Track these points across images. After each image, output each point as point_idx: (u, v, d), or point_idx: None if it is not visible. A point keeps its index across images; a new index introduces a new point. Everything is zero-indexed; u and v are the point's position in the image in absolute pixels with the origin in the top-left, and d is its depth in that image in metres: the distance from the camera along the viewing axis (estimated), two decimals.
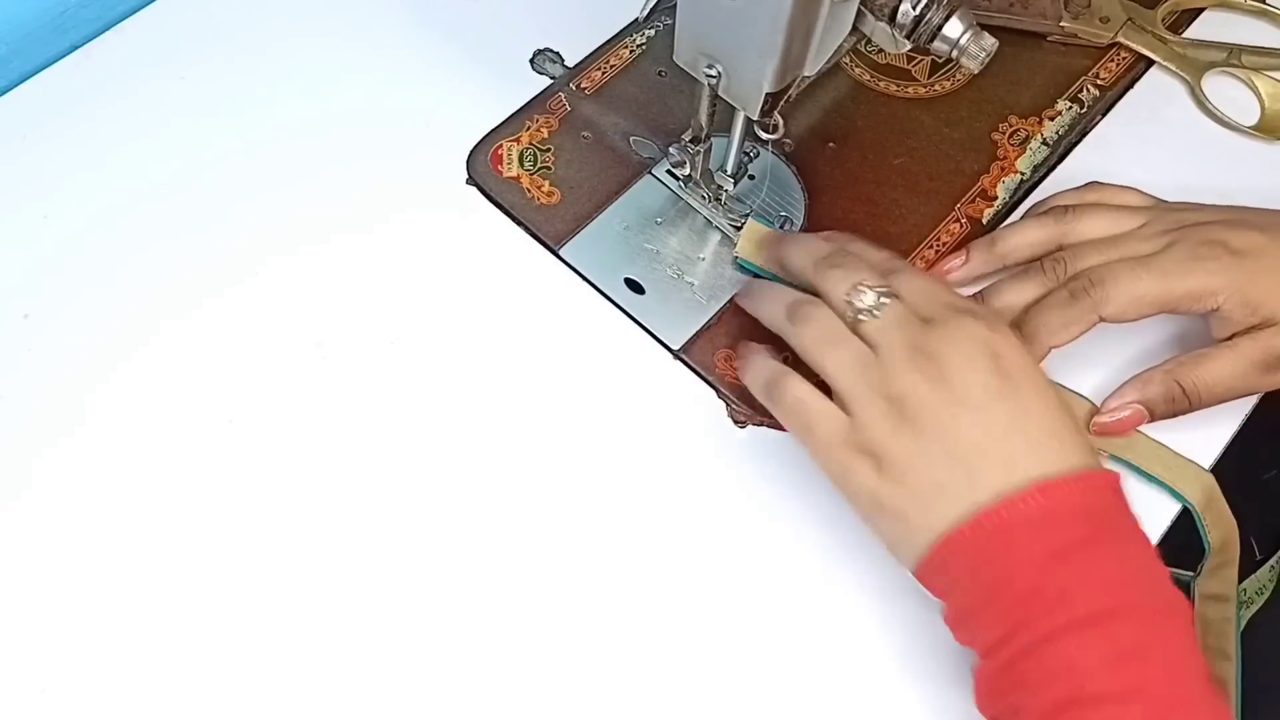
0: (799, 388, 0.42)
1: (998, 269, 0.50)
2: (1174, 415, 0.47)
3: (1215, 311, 0.45)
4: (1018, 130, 0.56)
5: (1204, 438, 0.49)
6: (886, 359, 0.40)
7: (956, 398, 0.39)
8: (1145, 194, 0.50)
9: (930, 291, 0.42)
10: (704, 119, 0.48)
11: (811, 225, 0.53)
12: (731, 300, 0.51)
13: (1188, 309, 0.46)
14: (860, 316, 0.41)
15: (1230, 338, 0.46)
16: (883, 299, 0.41)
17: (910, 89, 0.58)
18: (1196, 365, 0.46)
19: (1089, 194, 0.51)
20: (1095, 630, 0.36)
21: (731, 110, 0.47)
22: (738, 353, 0.48)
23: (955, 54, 0.41)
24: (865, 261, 0.43)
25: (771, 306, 0.45)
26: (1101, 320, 0.46)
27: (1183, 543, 0.47)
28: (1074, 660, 0.36)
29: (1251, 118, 0.57)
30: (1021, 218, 0.52)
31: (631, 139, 0.55)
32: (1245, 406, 0.49)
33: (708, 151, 0.51)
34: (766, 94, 0.43)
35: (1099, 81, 0.58)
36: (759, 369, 0.44)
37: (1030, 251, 0.49)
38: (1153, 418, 0.47)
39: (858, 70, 0.58)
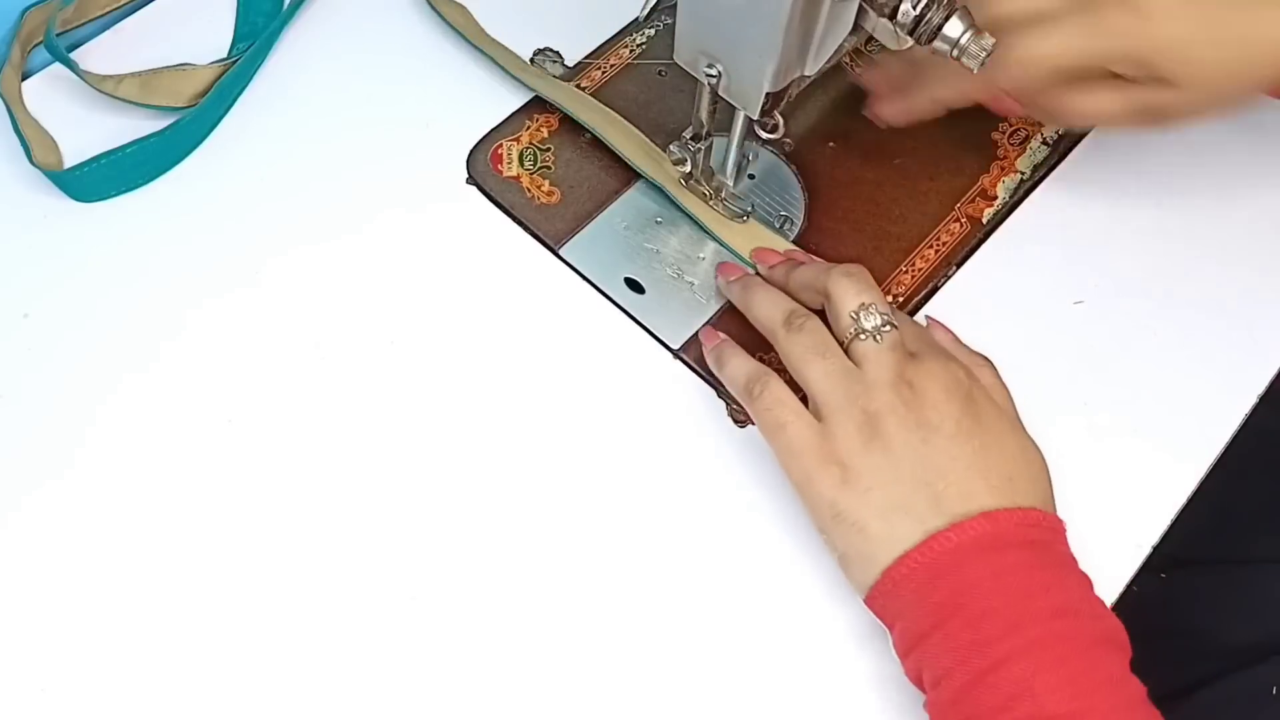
0: (779, 390, 0.43)
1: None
2: (1014, 108, 0.49)
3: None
4: (1018, 130, 0.56)
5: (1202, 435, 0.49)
6: (871, 378, 0.41)
7: (930, 425, 0.40)
8: None
9: (920, 333, 0.45)
10: (704, 118, 0.48)
11: (811, 225, 0.53)
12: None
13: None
14: (861, 336, 0.42)
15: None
16: (886, 325, 0.42)
17: None
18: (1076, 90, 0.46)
19: None
20: (1049, 652, 0.37)
21: (731, 110, 0.47)
22: (710, 342, 0.48)
23: (955, 54, 0.41)
24: (838, 292, 0.44)
25: (769, 310, 0.46)
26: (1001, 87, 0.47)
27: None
28: (1031, 682, 0.36)
29: None
30: None
31: None
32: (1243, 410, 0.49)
33: (708, 150, 0.51)
34: (766, 94, 0.43)
35: None
36: (741, 364, 0.46)
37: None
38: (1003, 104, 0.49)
39: (858, 70, 0.58)
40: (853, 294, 0.43)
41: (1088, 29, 0.44)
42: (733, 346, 0.47)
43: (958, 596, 0.38)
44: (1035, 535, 0.40)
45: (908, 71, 0.51)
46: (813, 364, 0.42)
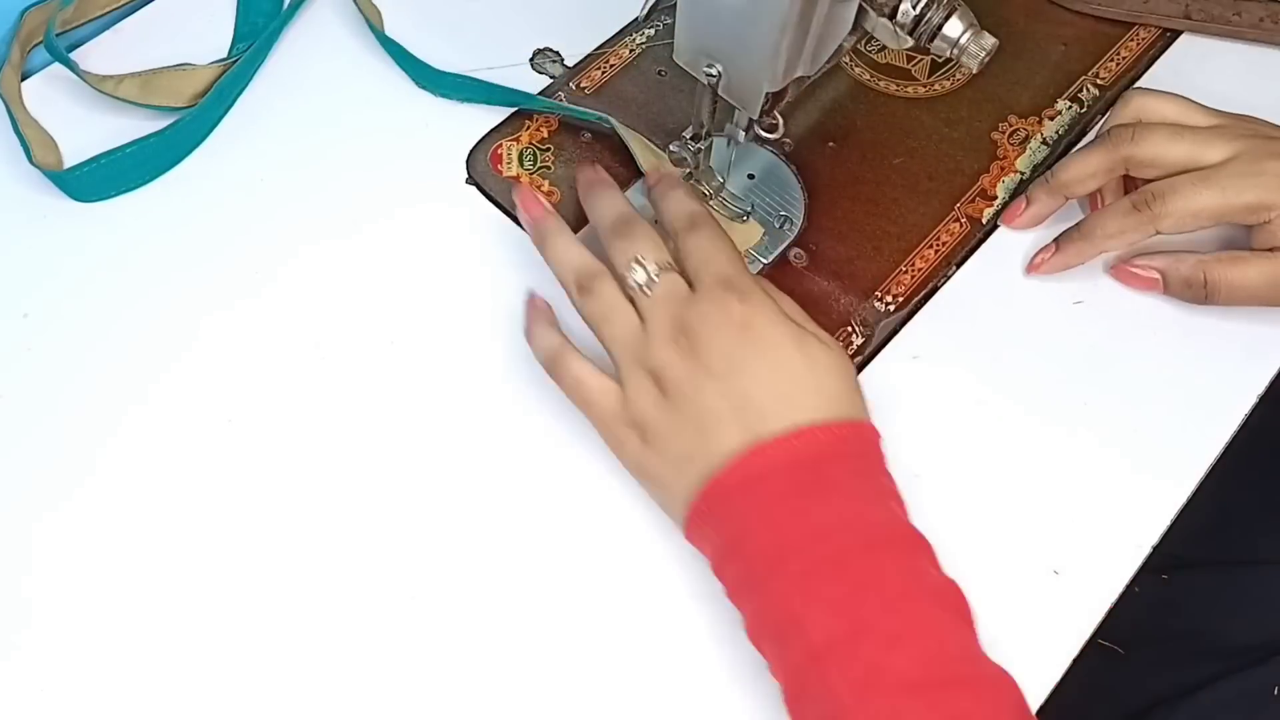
0: (578, 366, 0.44)
1: (1062, 204, 0.52)
2: (1186, 299, 0.50)
3: (1265, 224, 0.47)
4: (1017, 130, 0.57)
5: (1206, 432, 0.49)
6: (651, 334, 0.42)
7: (702, 369, 0.41)
8: (1190, 101, 0.51)
9: (709, 258, 0.43)
10: (704, 118, 0.48)
11: (811, 225, 0.53)
12: None
13: (1241, 220, 0.48)
14: (636, 290, 0.43)
15: (1271, 250, 0.47)
16: (655, 275, 0.43)
17: (910, 88, 0.58)
18: (1229, 264, 0.48)
19: (1132, 108, 0.51)
20: (813, 579, 0.37)
21: (731, 109, 0.47)
22: (530, 309, 0.48)
23: (955, 53, 0.41)
24: (668, 217, 0.45)
25: (561, 271, 0.45)
26: (1158, 233, 0.48)
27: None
28: (799, 614, 0.37)
29: None
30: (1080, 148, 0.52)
31: None
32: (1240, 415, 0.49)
33: (708, 150, 0.51)
34: (766, 94, 0.43)
35: (1099, 81, 0.58)
36: (543, 339, 0.46)
37: (1094, 182, 0.51)
38: (1165, 290, 0.50)
39: (858, 70, 0.58)
40: (619, 252, 0.44)
41: (1249, 182, 0.46)
42: (537, 319, 0.47)
43: (734, 538, 0.39)
44: (802, 455, 0.40)
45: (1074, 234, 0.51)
46: (603, 329, 0.43)
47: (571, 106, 0.55)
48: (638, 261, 0.43)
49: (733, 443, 0.40)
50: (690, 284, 0.43)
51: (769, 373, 0.41)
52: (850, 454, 0.41)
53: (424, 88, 0.56)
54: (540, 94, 0.56)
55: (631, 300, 0.43)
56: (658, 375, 0.42)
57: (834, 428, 0.41)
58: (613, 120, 0.53)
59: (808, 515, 0.39)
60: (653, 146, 0.53)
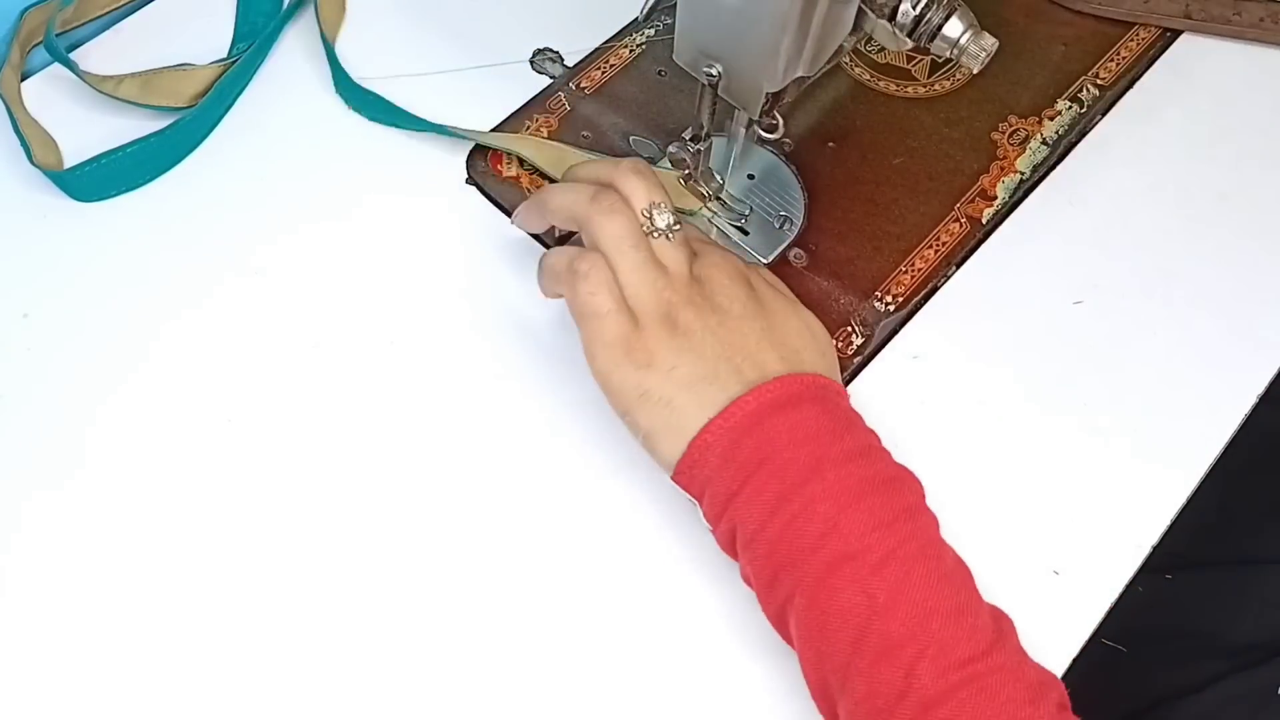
0: (605, 274, 0.43)
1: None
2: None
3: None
4: (1017, 130, 0.56)
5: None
6: (671, 273, 0.43)
7: (722, 309, 0.43)
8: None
9: (694, 232, 0.47)
10: (704, 118, 0.48)
11: (811, 225, 0.53)
12: None
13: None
14: (655, 234, 0.43)
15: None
16: (676, 223, 0.44)
17: (910, 89, 0.58)
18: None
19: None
20: (848, 491, 0.39)
21: (731, 110, 0.47)
22: (531, 203, 0.47)
23: (955, 54, 0.41)
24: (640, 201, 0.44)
25: (573, 195, 0.45)
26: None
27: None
28: (836, 519, 0.39)
29: None
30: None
31: (631, 138, 0.55)
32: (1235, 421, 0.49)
33: (708, 150, 0.51)
34: (766, 94, 0.43)
35: (1099, 81, 0.58)
36: (562, 253, 0.44)
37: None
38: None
39: (858, 70, 0.58)
40: (643, 192, 0.44)
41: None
42: (550, 198, 0.46)
43: (761, 451, 0.40)
44: (823, 395, 0.42)
45: None
46: (625, 254, 0.43)
47: (462, 131, 0.54)
48: (662, 205, 0.43)
49: (759, 372, 0.42)
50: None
51: (780, 324, 0.44)
52: (850, 407, 0.44)
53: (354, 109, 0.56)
54: (540, 94, 0.56)
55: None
56: (675, 309, 0.42)
57: (839, 385, 0.44)
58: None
59: (840, 439, 0.40)
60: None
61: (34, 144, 0.52)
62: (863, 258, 0.53)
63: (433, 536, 0.46)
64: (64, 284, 0.51)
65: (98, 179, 0.52)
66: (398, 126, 0.55)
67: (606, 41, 0.58)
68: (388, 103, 0.55)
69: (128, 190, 0.53)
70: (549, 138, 0.55)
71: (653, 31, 0.59)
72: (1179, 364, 0.50)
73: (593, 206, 0.43)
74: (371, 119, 0.56)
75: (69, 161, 0.53)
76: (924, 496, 0.41)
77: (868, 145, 0.56)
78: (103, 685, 0.43)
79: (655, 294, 0.42)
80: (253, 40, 0.56)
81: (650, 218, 0.43)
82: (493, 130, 0.55)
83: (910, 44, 0.42)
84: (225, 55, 0.57)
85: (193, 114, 0.54)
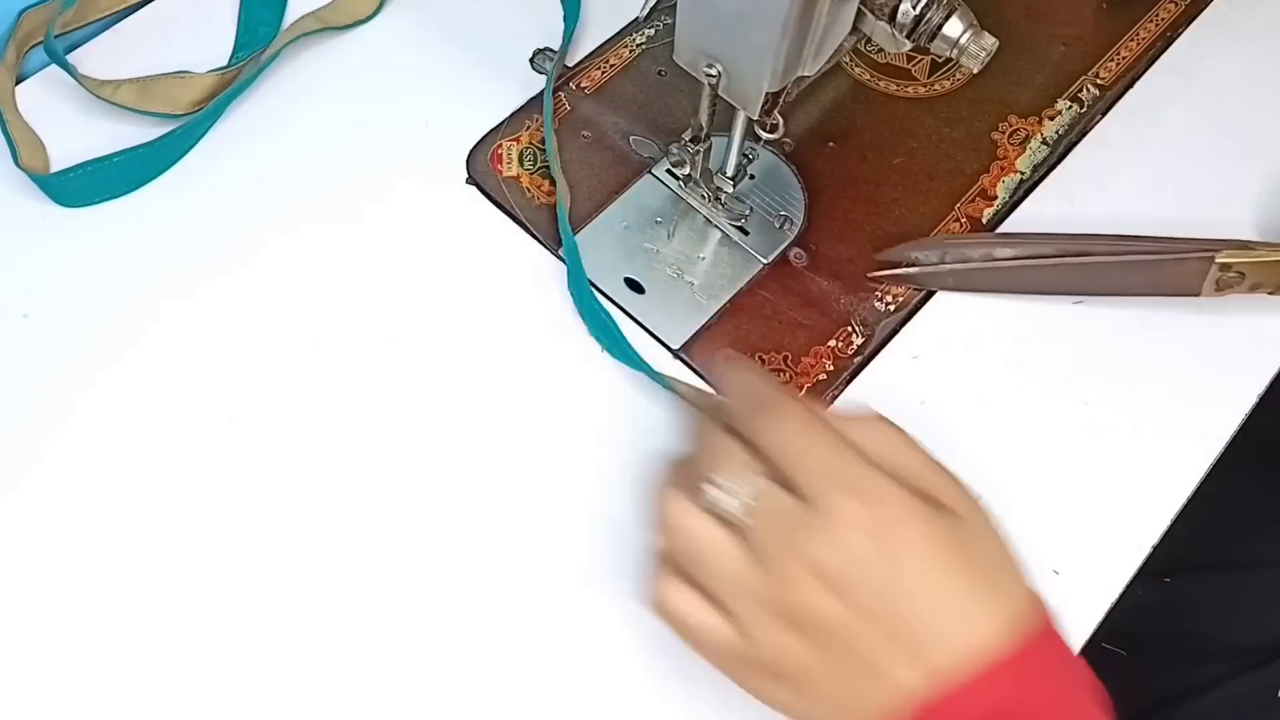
0: (681, 600, 0.37)
1: None
2: None
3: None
4: (1018, 130, 0.56)
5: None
6: (773, 572, 0.35)
7: (847, 604, 0.34)
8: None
9: (801, 450, 0.36)
10: (704, 119, 0.48)
11: (811, 225, 0.53)
12: (731, 299, 0.51)
13: None
14: (726, 515, 0.36)
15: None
16: (749, 499, 0.36)
17: (910, 88, 0.58)
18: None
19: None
20: None
21: (731, 110, 0.47)
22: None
23: (955, 54, 0.41)
24: (737, 398, 0.38)
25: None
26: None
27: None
28: None
29: None
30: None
31: (631, 138, 0.55)
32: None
33: (708, 151, 0.51)
34: (766, 94, 0.43)
35: (1099, 81, 0.58)
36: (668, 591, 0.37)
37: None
38: None
39: (858, 70, 0.58)
40: (698, 472, 0.36)
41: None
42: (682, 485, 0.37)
43: None
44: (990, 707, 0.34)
45: None
46: (700, 570, 0.36)
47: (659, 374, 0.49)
48: (719, 486, 0.36)
49: (906, 679, 0.34)
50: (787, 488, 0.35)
51: (921, 583, 0.35)
52: (1052, 637, 0.36)
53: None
54: (540, 94, 0.56)
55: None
56: (794, 617, 0.35)
57: (1012, 663, 0.34)
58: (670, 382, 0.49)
59: None
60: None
61: (21, 146, 0.52)
62: (863, 258, 0.52)
63: (433, 537, 0.46)
64: (61, 286, 0.51)
65: (83, 185, 0.52)
66: (610, 353, 0.50)
67: (606, 41, 0.58)
68: (617, 333, 0.50)
69: (114, 197, 0.52)
70: None
71: (653, 31, 0.59)
72: (1179, 364, 0.50)
73: (662, 535, 0.37)
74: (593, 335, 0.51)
75: (59, 165, 0.53)
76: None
77: (868, 145, 0.56)
78: (103, 686, 0.43)
79: (754, 599, 0.36)
80: (252, 48, 0.56)
81: (715, 505, 0.36)
82: (493, 130, 0.55)
83: (909, 45, 0.42)
84: (225, 64, 0.57)
85: (185, 126, 0.53)
